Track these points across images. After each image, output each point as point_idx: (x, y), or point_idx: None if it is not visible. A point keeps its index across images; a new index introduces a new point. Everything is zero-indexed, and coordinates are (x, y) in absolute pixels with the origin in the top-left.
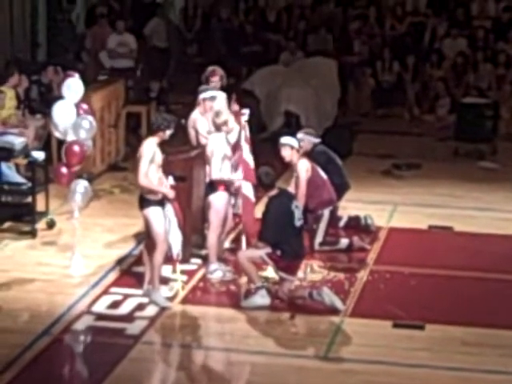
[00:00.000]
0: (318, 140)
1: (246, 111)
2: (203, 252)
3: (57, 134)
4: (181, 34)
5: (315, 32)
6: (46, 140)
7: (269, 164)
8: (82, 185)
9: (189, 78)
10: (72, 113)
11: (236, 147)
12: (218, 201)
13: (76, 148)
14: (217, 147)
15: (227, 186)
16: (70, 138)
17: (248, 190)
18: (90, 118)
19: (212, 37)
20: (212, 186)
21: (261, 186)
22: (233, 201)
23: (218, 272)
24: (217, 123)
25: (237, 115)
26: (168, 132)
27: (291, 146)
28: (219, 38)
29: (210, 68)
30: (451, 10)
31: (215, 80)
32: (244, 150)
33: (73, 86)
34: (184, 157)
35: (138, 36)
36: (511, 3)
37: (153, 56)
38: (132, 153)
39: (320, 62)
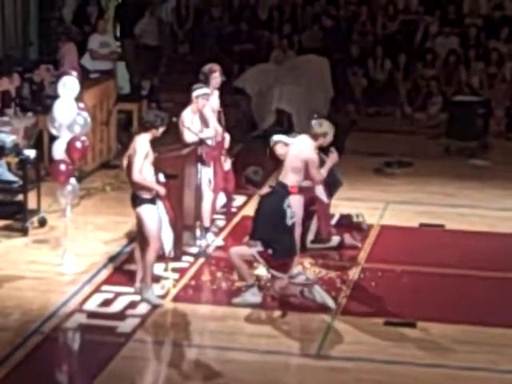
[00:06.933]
0: None
1: None
2: (195, 249)
3: (53, 131)
4: (172, 32)
5: (308, 29)
6: (37, 138)
7: (259, 163)
8: (70, 183)
9: (180, 77)
10: (73, 110)
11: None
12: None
13: (78, 144)
14: None
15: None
16: (67, 135)
17: None
18: (85, 114)
19: (204, 35)
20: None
21: (249, 184)
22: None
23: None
24: None
25: None
26: (161, 129)
27: (285, 143)
28: (211, 37)
29: (208, 66)
30: (443, 7)
31: (215, 76)
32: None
33: (68, 84)
34: (175, 155)
35: (129, 35)
36: (502, 1)
37: (143, 54)
38: (123, 150)
39: (312, 60)
